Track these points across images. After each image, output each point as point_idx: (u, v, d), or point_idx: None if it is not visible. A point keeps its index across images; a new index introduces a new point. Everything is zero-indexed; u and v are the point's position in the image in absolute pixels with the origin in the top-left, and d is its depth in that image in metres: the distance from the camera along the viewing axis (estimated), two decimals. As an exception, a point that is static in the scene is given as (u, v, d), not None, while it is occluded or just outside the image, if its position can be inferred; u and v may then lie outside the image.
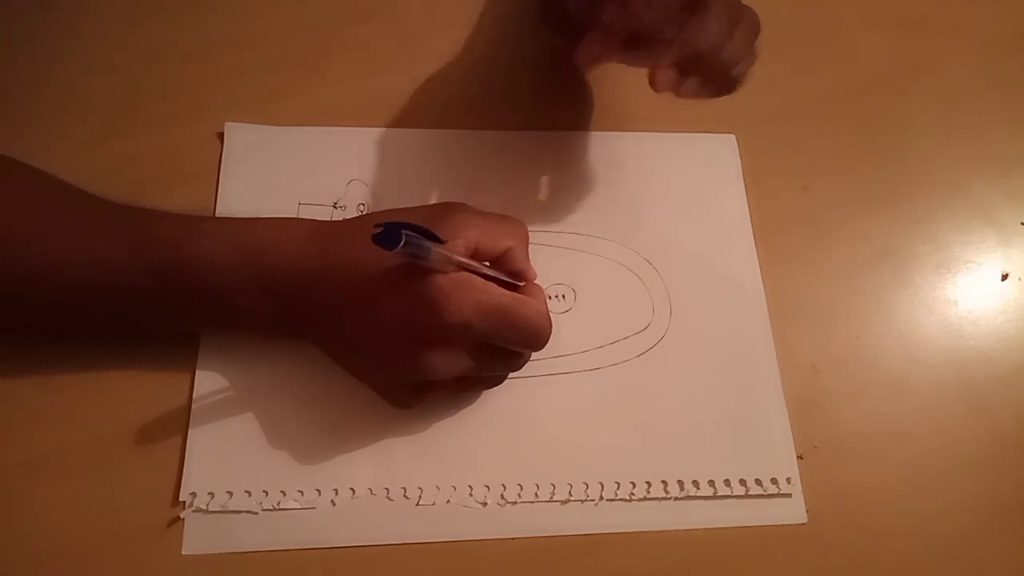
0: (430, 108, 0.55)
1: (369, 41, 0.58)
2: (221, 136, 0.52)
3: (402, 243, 0.34)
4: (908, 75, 0.62)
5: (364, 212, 0.51)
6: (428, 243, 0.36)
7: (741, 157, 0.57)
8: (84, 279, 0.41)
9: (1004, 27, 0.66)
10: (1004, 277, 0.56)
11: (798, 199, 0.57)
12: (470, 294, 0.39)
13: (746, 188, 0.56)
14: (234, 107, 0.53)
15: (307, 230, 0.43)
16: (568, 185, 0.54)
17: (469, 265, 0.40)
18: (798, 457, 0.48)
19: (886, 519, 0.48)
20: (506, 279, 0.42)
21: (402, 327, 0.40)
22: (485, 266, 0.41)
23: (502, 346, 0.42)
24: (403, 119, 0.55)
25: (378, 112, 0.55)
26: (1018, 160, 0.60)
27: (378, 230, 0.34)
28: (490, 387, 0.47)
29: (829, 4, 0.65)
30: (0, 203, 0.41)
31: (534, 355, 0.48)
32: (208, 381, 0.46)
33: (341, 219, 0.44)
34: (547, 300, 0.44)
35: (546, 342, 0.42)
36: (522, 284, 0.43)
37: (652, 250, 0.53)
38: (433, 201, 0.52)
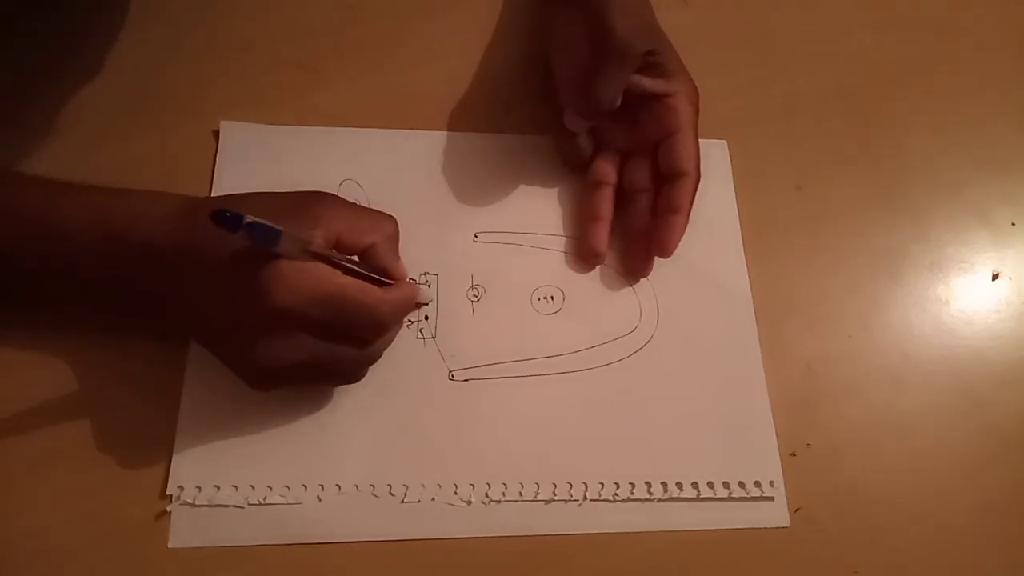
0: (424, 110, 0.56)
1: (363, 42, 0.58)
2: (217, 135, 0.53)
3: (243, 224, 0.33)
4: (902, 76, 0.62)
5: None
6: (278, 228, 0.35)
7: (734, 158, 0.57)
8: None
9: (998, 28, 0.65)
10: (995, 277, 0.56)
11: (792, 199, 0.57)
12: (307, 280, 0.38)
13: (740, 188, 0.56)
14: (230, 106, 0.54)
15: (172, 205, 0.42)
16: (560, 188, 0.54)
17: (328, 257, 0.39)
18: (791, 455, 0.48)
19: (879, 516, 0.48)
20: (374, 276, 0.41)
21: (238, 310, 0.39)
22: (351, 261, 0.41)
23: (342, 333, 0.41)
24: (397, 120, 0.55)
25: (372, 113, 0.55)
26: (1012, 160, 0.60)
27: (216, 209, 0.33)
28: (346, 381, 0.45)
29: (824, 5, 0.64)
30: None
31: (522, 355, 0.49)
32: (197, 375, 0.46)
33: (207, 196, 0.43)
34: (420, 299, 0.44)
35: (384, 332, 0.42)
36: (391, 282, 0.43)
37: (640, 253, 0.53)
38: (427, 202, 0.52)
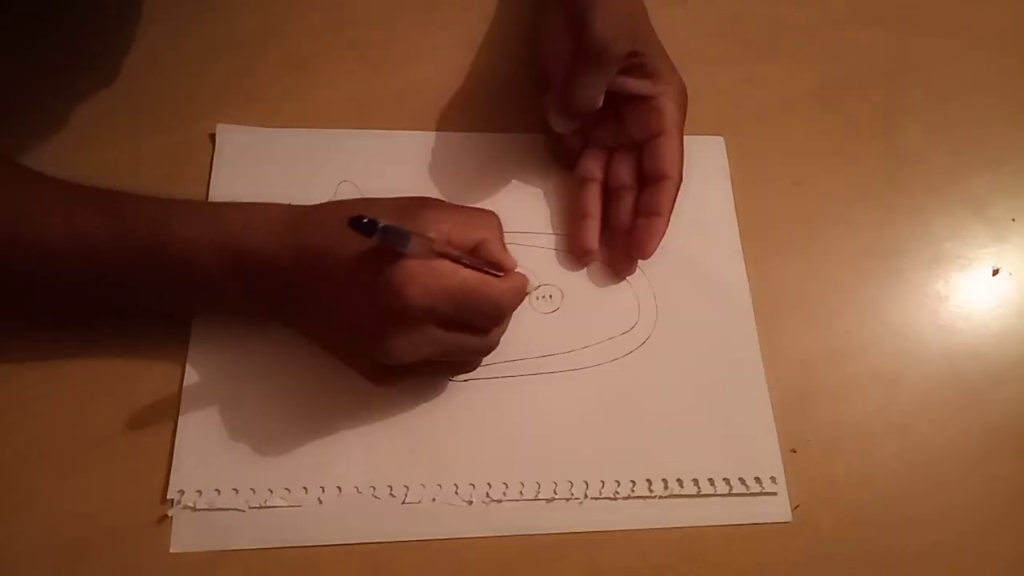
0: (420, 111, 0.56)
1: (358, 44, 0.58)
2: (213, 137, 0.53)
3: (379, 229, 0.35)
4: (901, 72, 0.62)
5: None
6: (407, 230, 0.37)
7: (732, 154, 0.57)
8: (59, 253, 0.41)
9: (996, 24, 0.65)
10: (995, 272, 0.56)
11: (790, 195, 0.57)
12: (436, 277, 0.40)
13: (737, 185, 0.56)
14: (226, 109, 0.54)
15: (278, 214, 0.43)
16: (557, 187, 0.54)
17: (448, 253, 0.41)
18: (791, 451, 0.48)
19: (879, 511, 0.48)
20: (487, 270, 0.43)
21: (369, 309, 0.40)
22: (465, 257, 0.42)
23: (468, 325, 0.42)
24: (393, 121, 0.55)
25: (368, 114, 0.55)
26: (1010, 156, 0.60)
27: (353, 217, 0.35)
28: (464, 371, 0.47)
29: (820, 1, 0.64)
30: None
31: (521, 355, 0.49)
32: (197, 380, 0.46)
33: (313, 204, 0.44)
34: (528, 288, 0.45)
35: (504, 320, 0.44)
36: (502, 275, 0.44)
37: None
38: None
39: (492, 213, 0.46)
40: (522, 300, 0.44)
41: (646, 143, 0.51)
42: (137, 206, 0.43)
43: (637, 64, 0.49)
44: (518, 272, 0.44)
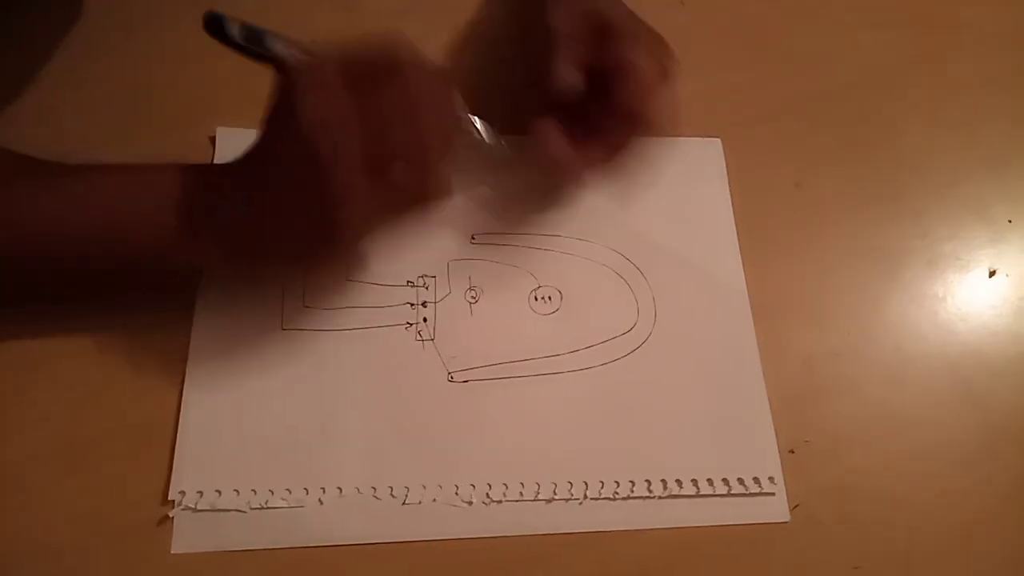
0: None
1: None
2: (213, 140, 0.53)
3: (227, 21, 0.34)
4: (901, 72, 0.62)
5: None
6: (263, 28, 0.36)
7: (731, 156, 0.57)
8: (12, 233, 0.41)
9: (996, 24, 0.66)
10: (992, 273, 0.56)
11: (790, 196, 0.57)
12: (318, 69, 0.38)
13: (737, 186, 0.56)
14: (226, 112, 0.54)
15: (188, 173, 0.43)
16: (555, 189, 0.55)
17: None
18: (789, 451, 0.49)
19: (878, 511, 0.48)
20: None
21: (290, 151, 0.39)
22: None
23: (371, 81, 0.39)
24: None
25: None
26: (1010, 157, 0.60)
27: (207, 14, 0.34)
28: (434, 192, 0.42)
29: (820, 3, 0.65)
30: None
31: (520, 355, 0.49)
32: (198, 381, 0.46)
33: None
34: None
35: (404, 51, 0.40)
36: None
37: (637, 253, 0.53)
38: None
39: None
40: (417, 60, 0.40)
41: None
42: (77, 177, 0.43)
43: (605, 34, 0.47)
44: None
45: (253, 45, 0.34)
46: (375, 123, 0.38)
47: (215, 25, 0.33)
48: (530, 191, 0.54)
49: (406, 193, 0.41)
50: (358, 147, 0.38)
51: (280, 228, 0.41)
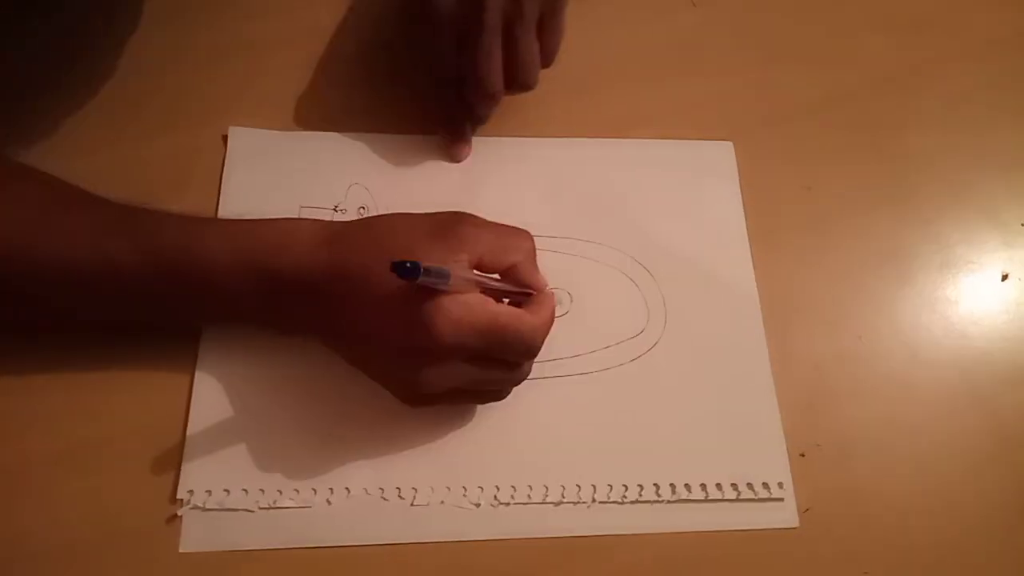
0: (432, 115, 0.56)
1: (371, 46, 0.58)
2: (225, 140, 0.53)
3: (422, 271, 0.35)
4: (911, 76, 0.62)
5: (364, 215, 0.51)
6: (448, 270, 0.37)
7: (742, 159, 0.57)
8: (89, 277, 0.41)
9: (1007, 27, 0.65)
10: (1004, 277, 0.56)
11: (801, 199, 0.57)
12: (469, 315, 0.39)
13: (748, 189, 0.56)
14: (238, 111, 0.54)
15: (311, 233, 0.43)
16: (566, 191, 0.55)
17: (482, 282, 0.41)
18: (800, 455, 0.48)
19: (888, 516, 0.48)
20: (516, 290, 0.43)
21: (399, 339, 0.40)
22: (495, 279, 0.42)
23: (498, 359, 0.42)
24: (404, 125, 0.55)
25: (380, 118, 0.55)
26: (1021, 161, 0.60)
27: (396, 261, 0.35)
28: (493, 399, 0.47)
29: (831, 6, 0.64)
30: (8, 201, 0.42)
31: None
32: (208, 381, 0.46)
33: (344, 221, 0.44)
34: (554, 308, 0.44)
35: (534, 355, 0.43)
36: (532, 293, 0.44)
37: (648, 255, 0.53)
38: (434, 206, 0.52)
39: (526, 233, 0.45)
40: (548, 330, 0.43)
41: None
42: (165, 227, 0.43)
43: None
44: (548, 293, 0.44)
45: (428, 277, 0.36)
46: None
47: (408, 274, 0.35)
48: (541, 193, 0.54)
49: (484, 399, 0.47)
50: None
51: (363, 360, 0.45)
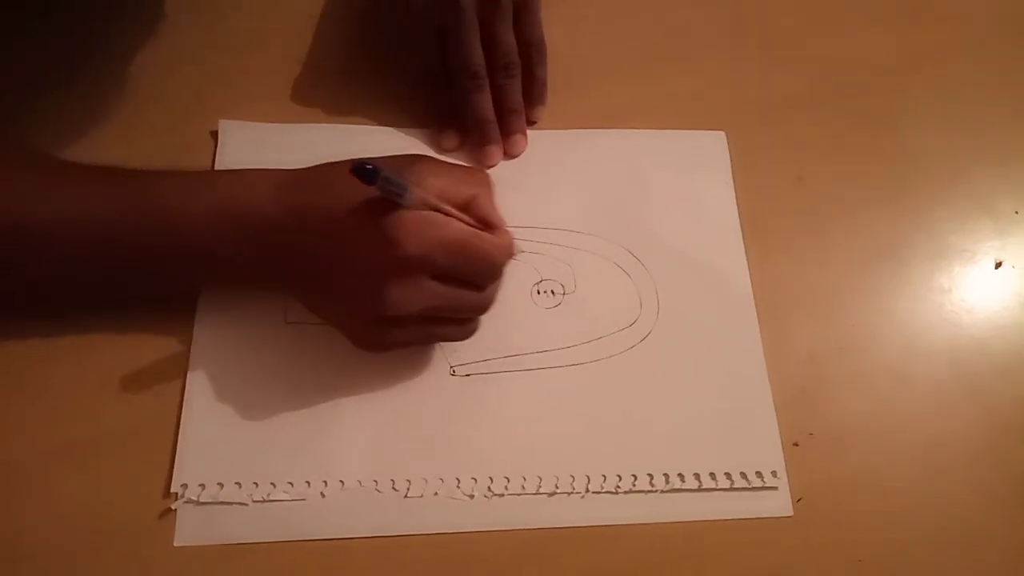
0: (422, 107, 0.56)
1: (362, 40, 0.58)
2: (215, 134, 0.53)
3: (380, 177, 0.35)
4: (905, 67, 0.62)
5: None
6: (404, 181, 0.38)
7: (736, 150, 0.57)
8: (74, 236, 0.42)
9: (1001, 18, 0.65)
10: (998, 266, 0.56)
11: (794, 190, 0.57)
12: (432, 228, 0.40)
13: (741, 180, 0.56)
14: (229, 105, 0.54)
15: (271, 176, 0.44)
16: (558, 182, 0.55)
17: (440, 207, 0.41)
18: (793, 445, 0.48)
19: (881, 505, 0.48)
20: (475, 225, 0.43)
21: (368, 261, 0.41)
22: (457, 212, 0.42)
23: (463, 279, 0.43)
24: (394, 118, 0.55)
25: (371, 110, 0.55)
26: (1015, 150, 0.60)
27: (356, 163, 0.35)
28: (460, 336, 0.47)
29: (826, -2, 0.64)
30: None
31: (523, 349, 0.49)
32: (201, 375, 0.46)
33: (305, 167, 0.45)
34: (514, 246, 0.44)
35: (497, 276, 0.44)
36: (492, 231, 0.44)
37: (640, 246, 0.53)
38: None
39: (484, 171, 0.47)
40: (511, 257, 0.44)
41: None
42: (134, 180, 0.43)
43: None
44: (504, 230, 0.44)
45: (386, 185, 0.38)
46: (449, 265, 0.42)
47: (368, 176, 0.36)
48: (534, 185, 0.54)
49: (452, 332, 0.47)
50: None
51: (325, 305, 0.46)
